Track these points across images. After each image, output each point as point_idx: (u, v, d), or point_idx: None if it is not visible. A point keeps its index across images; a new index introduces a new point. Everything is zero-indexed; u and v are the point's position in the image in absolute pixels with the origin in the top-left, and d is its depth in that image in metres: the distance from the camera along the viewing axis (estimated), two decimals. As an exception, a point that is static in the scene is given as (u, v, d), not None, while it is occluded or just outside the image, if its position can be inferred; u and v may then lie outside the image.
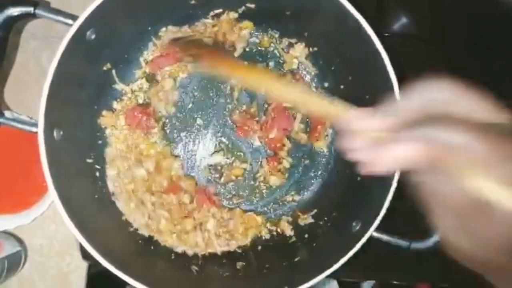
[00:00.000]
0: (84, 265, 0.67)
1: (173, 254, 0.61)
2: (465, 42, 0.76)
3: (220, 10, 0.63)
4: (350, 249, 0.51)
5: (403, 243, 0.53)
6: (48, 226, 0.68)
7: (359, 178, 0.61)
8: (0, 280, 0.61)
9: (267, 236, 0.65)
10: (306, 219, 0.63)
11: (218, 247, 0.62)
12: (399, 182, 0.51)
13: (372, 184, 0.57)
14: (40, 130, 0.46)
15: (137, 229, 0.61)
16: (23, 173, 0.65)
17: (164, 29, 0.63)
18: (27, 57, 0.69)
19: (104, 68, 0.60)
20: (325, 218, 0.63)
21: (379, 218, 0.51)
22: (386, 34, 0.73)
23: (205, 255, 0.62)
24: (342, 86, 0.64)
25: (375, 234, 0.51)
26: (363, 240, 0.51)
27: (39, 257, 0.68)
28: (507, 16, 0.74)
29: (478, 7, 0.73)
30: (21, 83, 0.69)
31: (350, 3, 0.52)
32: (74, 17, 0.48)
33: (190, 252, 0.61)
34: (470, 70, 0.72)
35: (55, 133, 0.50)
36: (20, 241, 0.67)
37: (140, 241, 0.60)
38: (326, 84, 0.67)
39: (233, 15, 0.63)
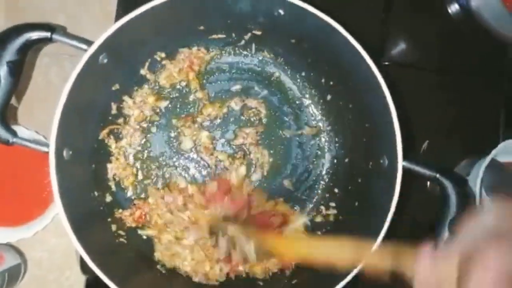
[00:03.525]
0: (83, 279, 0.68)
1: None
2: (465, 70, 0.78)
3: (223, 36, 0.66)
4: (348, 273, 0.52)
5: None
6: (48, 240, 0.69)
7: (357, 203, 0.62)
8: (0, 292, 0.62)
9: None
10: None
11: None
12: (397, 208, 0.53)
13: (370, 209, 0.59)
14: (51, 151, 0.48)
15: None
16: (27, 187, 0.66)
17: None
18: (37, 73, 0.71)
19: (113, 88, 0.62)
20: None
21: (377, 244, 0.52)
22: (386, 63, 0.75)
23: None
24: (343, 113, 0.66)
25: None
26: (361, 265, 0.52)
27: (38, 270, 0.68)
28: (503, 48, 0.76)
29: (477, 38, 0.76)
30: (30, 97, 0.70)
31: (350, 31, 0.54)
32: (88, 43, 0.50)
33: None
34: (469, 96, 0.75)
35: (64, 153, 0.51)
36: (20, 253, 0.68)
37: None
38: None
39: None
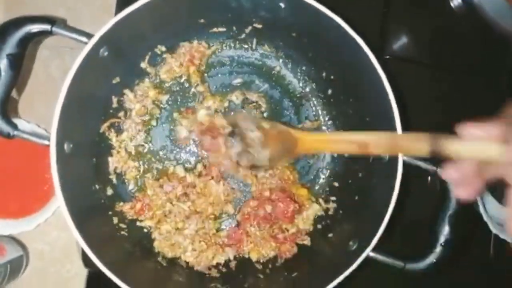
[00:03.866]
0: (84, 272, 0.68)
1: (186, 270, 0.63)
2: (466, 66, 0.78)
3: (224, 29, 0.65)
4: (347, 268, 0.52)
5: (398, 263, 0.54)
6: (50, 232, 0.69)
7: (356, 197, 0.63)
8: (2, 284, 0.62)
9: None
10: (304, 240, 0.65)
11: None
12: (397, 202, 0.53)
13: (370, 205, 0.59)
14: (52, 144, 0.48)
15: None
16: (29, 180, 0.66)
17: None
18: (37, 65, 0.71)
19: (114, 82, 0.62)
20: (322, 237, 0.64)
21: (377, 238, 0.53)
22: (387, 57, 0.75)
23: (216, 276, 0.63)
24: (344, 107, 0.66)
25: (371, 254, 0.53)
26: (360, 259, 0.52)
27: (40, 262, 0.69)
28: (504, 40, 0.76)
29: (479, 32, 0.75)
30: (31, 90, 0.70)
31: (351, 25, 0.54)
32: (89, 35, 0.50)
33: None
34: (469, 92, 0.75)
35: (65, 146, 0.51)
36: (22, 246, 0.68)
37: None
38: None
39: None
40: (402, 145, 0.39)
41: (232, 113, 0.68)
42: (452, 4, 0.77)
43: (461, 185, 0.37)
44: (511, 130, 0.32)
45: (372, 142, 0.41)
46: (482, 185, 0.37)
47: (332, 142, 0.46)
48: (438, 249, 0.54)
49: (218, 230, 0.66)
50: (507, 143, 0.32)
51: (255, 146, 0.46)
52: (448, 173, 0.37)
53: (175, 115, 0.67)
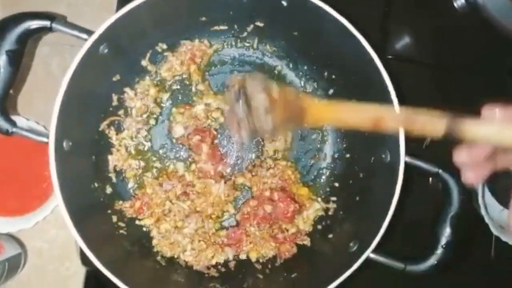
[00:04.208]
0: (82, 271, 0.68)
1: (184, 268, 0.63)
2: (469, 65, 0.77)
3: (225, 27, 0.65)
4: (347, 269, 0.52)
5: (398, 265, 0.54)
6: (48, 231, 0.69)
7: (357, 198, 0.62)
8: (0, 282, 0.62)
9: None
10: (304, 240, 0.65)
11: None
12: (398, 203, 0.53)
13: (371, 205, 0.58)
14: (51, 142, 0.47)
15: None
16: (27, 178, 0.66)
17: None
18: (37, 62, 0.70)
19: (114, 79, 0.61)
20: (323, 237, 0.64)
21: (377, 239, 0.52)
22: (390, 57, 0.74)
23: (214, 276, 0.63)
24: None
25: (372, 255, 0.53)
26: (360, 260, 0.52)
27: (38, 260, 0.68)
28: (507, 40, 0.75)
29: (482, 32, 0.75)
30: (30, 87, 0.70)
31: (353, 24, 0.53)
32: (89, 32, 0.49)
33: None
34: (472, 92, 0.74)
35: (64, 144, 0.51)
36: (21, 243, 0.68)
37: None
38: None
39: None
40: (418, 122, 0.37)
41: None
42: (455, 4, 0.77)
43: (470, 169, 0.36)
44: None
45: (387, 116, 0.38)
46: (490, 173, 0.36)
47: (345, 112, 0.42)
48: (439, 250, 0.54)
49: (217, 229, 0.65)
50: None
51: (259, 110, 0.43)
52: (460, 156, 0.36)
53: (173, 110, 0.66)
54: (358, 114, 0.40)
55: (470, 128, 0.35)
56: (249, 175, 0.65)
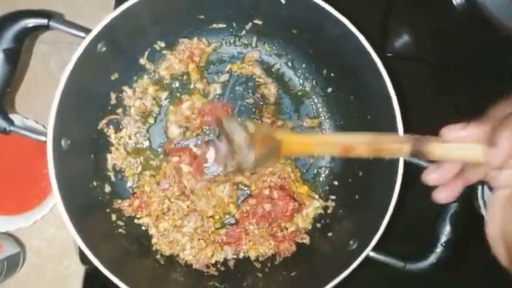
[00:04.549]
0: (81, 269, 0.68)
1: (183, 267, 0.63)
2: (468, 64, 0.77)
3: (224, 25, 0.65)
4: (346, 268, 0.52)
5: (398, 263, 0.54)
6: (47, 229, 0.68)
7: (357, 196, 0.62)
8: (-1, 280, 0.62)
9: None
10: (304, 238, 0.64)
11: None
12: (397, 201, 0.52)
13: (371, 204, 0.58)
14: (49, 140, 0.47)
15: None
16: (26, 176, 0.66)
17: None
18: (35, 61, 0.70)
19: (112, 78, 0.61)
20: (322, 236, 0.64)
21: (377, 237, 0.52)
22: (389, 55, 0.74)
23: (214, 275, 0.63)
24: (344, 105, 0.66)
25: (371, 254, 0.52)
26: (360, 259, 0.52)
27: (37, 259, 0.68)
28: (506, 39, 0.75)
29: (481, 31, 0.75)
30: (29, 86, 0.69)
31: (352, 22, 0.53)
32: (86, 30, 0.49)
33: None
34: (471, 91, 0.74)
35: (63, 142, 0.51)
36: (19, 242, 0.68)
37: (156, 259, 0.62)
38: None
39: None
40: (385, 146, 0.39)
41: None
42: (454, 2, 0.76)
43: (441, 189, 0.37)
44: (495, 132, 0.31)
45: (354, 144, 0.40)
46: (462, 188, 0.37)
47: (316, 145, 0.45)
48: (439, 249, 0.54)
49: (217, 228, 0.65)
50: (490, 144, 0.31)
51: (242, 148, 0.45)
52: (429, 176, 0.37)
53: (171, 108, 0.66)
54: (328, 145, 0.43)
55: (434, 149, 0.36)
56: (248, 173, 0.65)
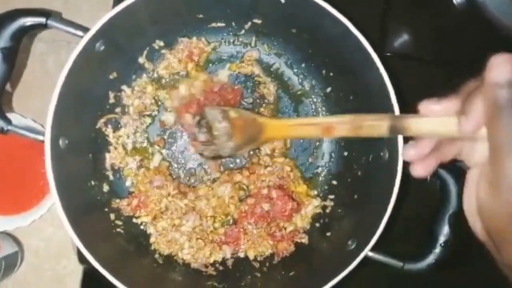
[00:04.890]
0: (80, 269, 0.67)
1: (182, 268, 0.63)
2: (468, 63, 0.77)
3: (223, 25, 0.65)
4: (345, 267, 0.52)
5: (397, 263, 0.54)
6: (45, 229, 0.68)
7: (355, 196, 0.62)
8: (-3, 279, 0.62)
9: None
10: (302, 238, 0.64)
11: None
12: (396, 201, 0.52)
13: (369, 204, 0.58)
14: (47, 140, 0.47)
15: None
16: (24, 176, 0.66)
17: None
18: (33, 59, 0.70)
19: (111, 77, 0.61)
20: (321, 235, 0.64)
21: (376, 237, 0.52)
22: (388, 54, 0.74)
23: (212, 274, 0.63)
24: (343, 105, 0.66)
25: (370, 254, 0.52)
26: (358, 259, 0.52)
27: (35, 258, 0.68)
28: (506, 38, 0.75)
29: (482, 30, 0.74)
30: (26, 85, 0.69)
31: (352, 22, 0.53)
32: (84, 29, 0.49)
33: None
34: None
35: (60, 142, 0.51)
36: (17, 242, 0.67)
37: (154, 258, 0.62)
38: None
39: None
40: (364, 125, 0.40)
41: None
42: (454, 1, 0.76)
43: (418, 163, 0.38)
44: (467, 102, 0.33)
45: (335, 123, 0.41)
46: (436, 164, 0.38)
47: (297, 126, 0.45)
48: (438, 249, 0.54)
49: (215, 227, 0.65)
50: (462, 114, 0.33)
51: (221, 137, 0.45)
52: (407, 152, 0.38)
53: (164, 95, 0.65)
54: (309, 126, 0.44)
55: (410, 125, 0.37)
56: (247, 172, 0.65)
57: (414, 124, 0.37)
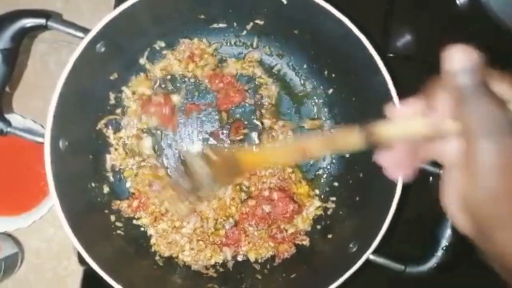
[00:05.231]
0: (80, 269, 0.67)
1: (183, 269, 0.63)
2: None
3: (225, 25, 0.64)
4: (346, 270, 0.51)
5: (398, 267, 0.53)
6: (46, 230, 0.68)
7: (357, 198, 0.62)
8: (-3, 280, 0.61)
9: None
10: (303, 240, 0.64)
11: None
12: (398, 204, 0.52)
13: (371, 206, 0.58)
14: (46, 142, 0.47)
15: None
16: (24, 177, 0.66)
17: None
18: (34, 60, 0.70)
19: (112, 78, 0.61)
20: (322, 237, 0.63)
21: (377, 240, 0.52)
22: (390, 55, 0.73)
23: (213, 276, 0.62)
24: (345, 106, 0.65)
25: (371, 257, 0.52)
26: (360, 262, 0.51)
27: (36, 259, 0.68)
28: (510, 39, 0.75)
29: (485, 31, 0.74)
30: (27, 85, 0.69)
31: (354, 23, 0.53)
32: (85, 30, 0.49)
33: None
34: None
35: (61, 144, 0.50)
36: (18, 243, 0.67)
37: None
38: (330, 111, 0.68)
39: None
40: (338, 142, 0.39)
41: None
42: (457, 2, 0.76)
43: (395, 168, 0.38)
44: (432, 98, 0.32)
45: (308, 146, 0.40)
46: (415, 166, 0.37)
47: (272, 156, 0.45)
48: (440, 252, 0.53)
49: (216, 229, 0.65)
50: (429, 109, 0.33)
51: (204, 181, 0.46)
52: (381, 158, 0.37)
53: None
54: (285, 153, 0.43)
55: (380, 131, 0.36)
56: (248, 174, 0.65)
57: (384, 130, 0.36)
